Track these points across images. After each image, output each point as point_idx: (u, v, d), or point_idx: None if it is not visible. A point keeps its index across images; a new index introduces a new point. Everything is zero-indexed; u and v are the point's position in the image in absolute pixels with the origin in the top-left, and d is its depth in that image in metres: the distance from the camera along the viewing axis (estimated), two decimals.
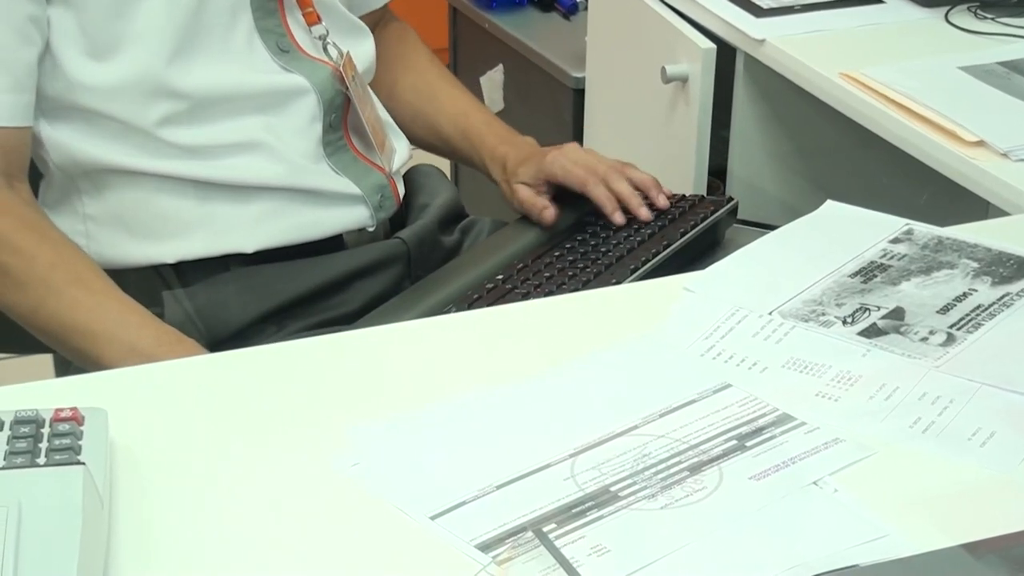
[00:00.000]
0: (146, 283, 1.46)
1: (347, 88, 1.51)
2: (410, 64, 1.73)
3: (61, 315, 1.36)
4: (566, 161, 1.59)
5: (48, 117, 1.44)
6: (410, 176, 1.66)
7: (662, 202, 1.57)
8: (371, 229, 1.54)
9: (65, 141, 1.44)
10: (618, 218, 1.55)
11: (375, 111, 1.58)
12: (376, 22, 1.70)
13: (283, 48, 1.49)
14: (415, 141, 1.71)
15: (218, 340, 1.44)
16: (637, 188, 1.58)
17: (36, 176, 1.49)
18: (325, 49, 1.52)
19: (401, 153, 1.61)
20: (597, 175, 1.57)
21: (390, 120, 1.63)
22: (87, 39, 1.40)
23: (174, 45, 1.41)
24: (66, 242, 1.40)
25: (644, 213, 1.55)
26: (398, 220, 1.60)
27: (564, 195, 1.60)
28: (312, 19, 1.52)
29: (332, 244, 1.52)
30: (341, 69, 1.51)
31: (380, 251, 1.53)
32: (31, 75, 1.40)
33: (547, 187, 1.60)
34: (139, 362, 1.29)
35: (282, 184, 1.48)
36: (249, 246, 1.47)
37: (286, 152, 1.47)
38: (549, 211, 1.58)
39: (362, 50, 1.58)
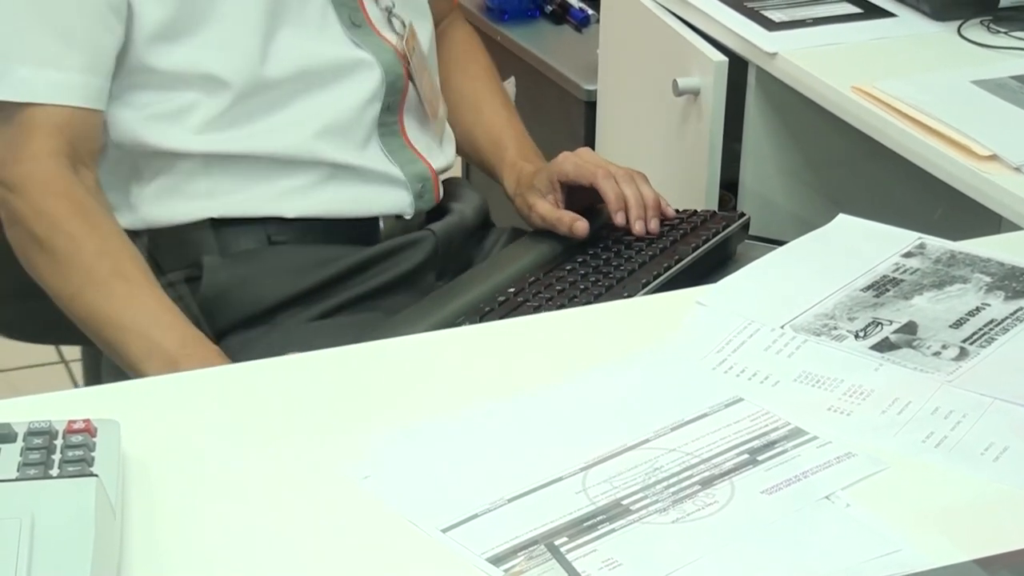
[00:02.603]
0: (188, 247, 1.49)
1: (408, 62, 1.54)
2: (466, 69, 1.75)
3: (97, 305, 1.38)
4: (577, 159, 1.60)
5: (112, 96, 1.45)
6: (450, 186, 1.67)
7: (652, 226, 1.55)
8: (408, 217, 1.56)
9: (122, 121, 1.46)
10: (619, 218, 1.55)
11: (434, 83, 1.60)
12: (443, 15, 1.72)
13: (355, 22, 1.52)
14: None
15: (248, 315, 1.47)
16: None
17: None
18: (390, 22, 1.55)
19: (447, 154, 1.63)
20: (608, 173, 1.57)
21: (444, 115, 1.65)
22: (172, 31, 1.43)
23: (262, 27, 1.45)
24: (117, 233, 1.42)
25: (639, 227, 1.55)
26: (432, 220, 1.61)
27: (577, 208, 1.60)
28: None
29: (368, 226, 1.54)
30: (405, 45, 1.54)
31: (410, 238, 1.55)
32: (108, 61, 1.42)
33: (562, 194, 1.60)
34: (161, 361, 1.32)
35: (331, 159, 1.50)
36: (289, 211, 1.49)
37: (342, 128, 1.50)
38: (581, 223, 1.55)
39: (425, 28, 1.61)
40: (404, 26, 1.56)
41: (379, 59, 1.53)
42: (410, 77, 1.56)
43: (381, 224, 1.55)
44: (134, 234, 1.48)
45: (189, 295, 1.48)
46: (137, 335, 1.36)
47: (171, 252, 1.49)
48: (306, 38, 1.48)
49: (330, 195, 1.52)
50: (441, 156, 1.62)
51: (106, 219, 1.42)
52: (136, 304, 1.38)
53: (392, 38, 1.55)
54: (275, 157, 1.49)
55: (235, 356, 1.41)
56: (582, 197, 1.59)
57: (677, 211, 1.61)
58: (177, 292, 1.48)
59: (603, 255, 1.52)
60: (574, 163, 1.59)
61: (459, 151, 1.73)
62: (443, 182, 1.65)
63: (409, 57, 1.55)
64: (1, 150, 1.41)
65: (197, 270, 1.49)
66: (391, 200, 1.56)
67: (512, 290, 1.44)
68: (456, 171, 1.74)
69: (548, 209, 1.58)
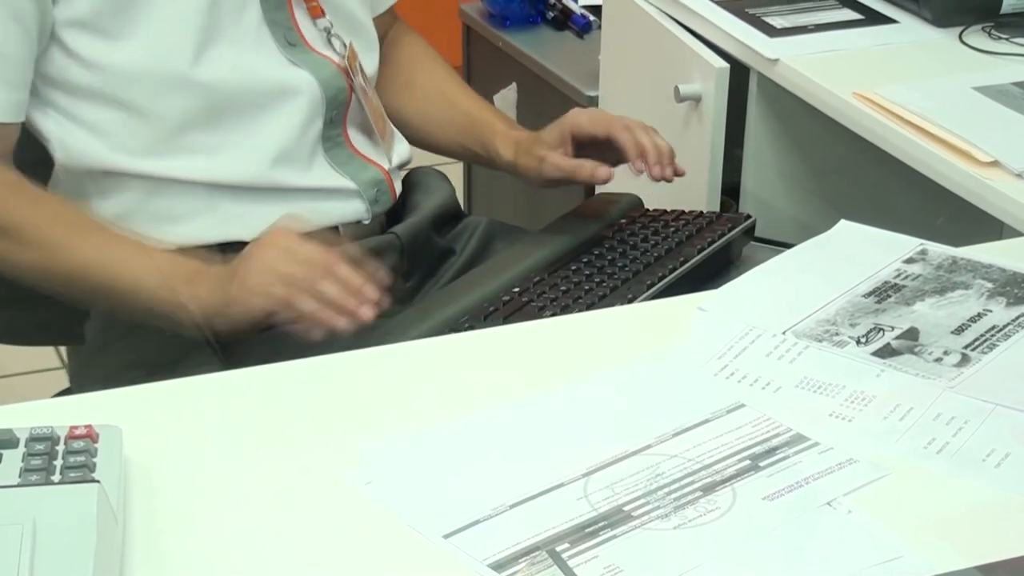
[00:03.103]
0: None
1: (351, 80, 1.53)
2: (428, 70, 1.74)
3: (72, 260, 1.39)
4: (591, 113, 1.59)
5: (58, 111, 1.46)
6: (409, 177, 1.67)
7: (668, 173, 1.55)
8: (366, 222, 1.56)
9: (71, 139, 1.46)
10: (639, 165, 1.54)
11: (378, 102, 1.59)
12: (387, 28, 1.72)
13: (291, 41, 1.51)
14: (427, 143, 1.72)
15: (218, 331, 1.45)
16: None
17: (45, 174, 1.50)
18: (330, 42, 1.54)
19: (401, 152, 1.62)
20: (625, 124, 1.56)
21: (390, 124, 1.64)
22: (101, 23, 1.42)
23: (195, 35, 1.43)
24: (59, 199, 1.44)
25: (657, 171, 1.54)
26: (395, 217, 1.61)
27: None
28: (316, 12, 1.54)
29: (329, 235, 1.52)
30: (346, 62, 1.53)
31: (374, 244, 1.54)
32: (26, 73, 1.42)
33: (571, 149, 1.58)
34: (159, 280, 1.36)
35: (280, 183, 1.50)
36: (247, 235, 1.46)
37: (290, 151, 1.50)
38: (603, 168, 1.53)
39: (368, 56, 1.60)
40: (344, 46, 1.54)
41: (316, 75, 1.51)
42: (352, 90, 1.54)
43: (340, 231, 1.54)
44: None
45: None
46: (125, 265, 1.39)
47: None
48: (240, 53, 1.47)
49: (283, 211, 1.49)
50: (394, 154, 1.60)
51: (41, 191, 1.44)
52: (111, 244, 1.40)
53: (332, 56, 1.54)
54: (231, 184, 1.48)
55: (204, 368, 1.41)
56: (591, 155, 1.57)
57: (683, 212, 1.62)
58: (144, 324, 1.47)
59: (608, 255, 1.52)
60: (589, 116, 1.58)
61: (438, 146, 1.72)
62: (407, 176, 1.64)
63: (352, 74, 1.53)
64: None
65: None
66: (347, 210, 1.54)
67: (517, 290, 1.44)
68: (422, 161, 1.72)
69: (563, 159, 1.56)
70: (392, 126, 1.64)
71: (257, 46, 1.48)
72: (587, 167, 1.55)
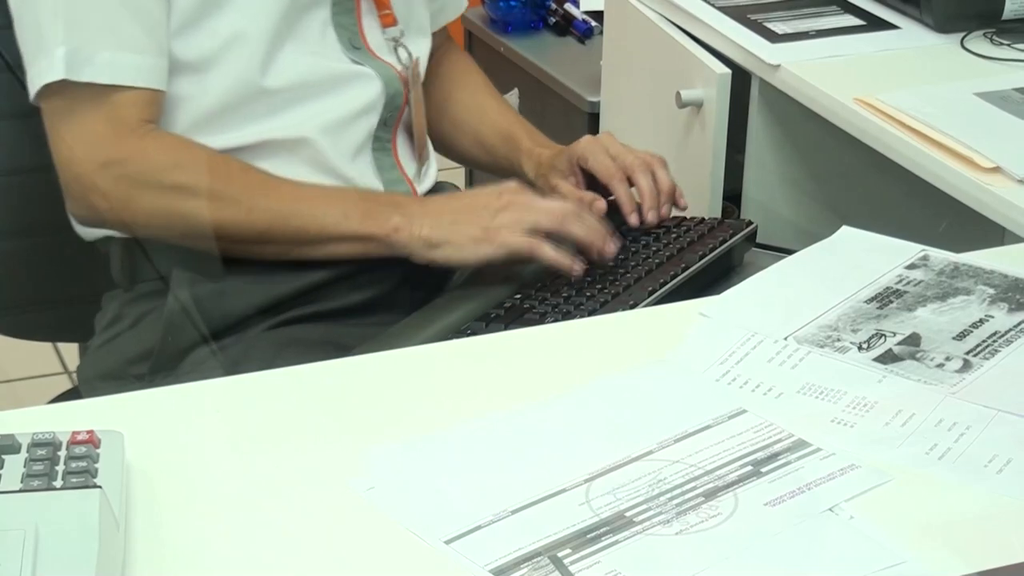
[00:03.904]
0: (162, 255, 1.49)
1: (409, 91, 1.55)
2: (465, 84, 1.76)
3: (270, 209, 1.44)
4: (597, 148, 1.61)
5: None
6: (429, 194, 1.67)
7: (663, 212, 1.58)
8: None
9: None
10: (633, 220, 1.57)
11: (424, 120, 1.62)
12: (439, 42, 1.73)
13: (355, 45, 1.53)
14: (457, 153, 1.75)
15: (218, 329, 1.46)
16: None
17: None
18: (396, 51, 1.56)
19: (430, 178, 1.64)
20: (624, 169, 1.58)
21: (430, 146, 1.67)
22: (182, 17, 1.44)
23: (267, 42, 1.46)
24: (229, 156, 1.47)
25: (651, 216, 1.57)
26: None
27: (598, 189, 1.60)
28: (388, 21, 1.56)
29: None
30: (409, 72, 1.55)
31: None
32: (167, 42, 1.44)
33: (581, 177, 1.61)
34: (364, 209, 1.44)
35: (323, 152, 1.51)
36: None
37: (338, 129, 1.51)
38: (600, 203, 1.57)
39: (424, 62, 1.62)
40: (410, 57, 1.57)
41: (379, 73, 1.53)
42: (408, 102, 1.56)
43: None
44: (109, 241, 1.50)
45: (161, 307, 1.48)
46: (324, 205, 1.45)
47: (144, 263, 1.49)
48: (306, 53, 1.49)
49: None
50: (426, 180, 1.63)
51: (215, 151, 1.46)
52: (303, 189, 1.46)
53: (395, 64, 1.55)
54: (273, 143, 1.49)
55: (203, 368, 1.41)
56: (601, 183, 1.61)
57: (685, 218, 1.62)
58: (152, 303, 1.48)
59: (610, 262, 1.52)
60: (593, 152, 1.60)
61: (469, 156, 1.74)
62: (431, 189, 1.65)
63: (410, 86, 1.56)
64: (100, 129, 1.42)
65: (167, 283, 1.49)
66: None
67: (518, 296, 1.44)
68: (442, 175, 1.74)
69: (569, 189, 1.60)
70: (431, 149, 1.66)
71: (321, 46, 1.50)
72: (586, 199, 1.58)
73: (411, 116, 1.58)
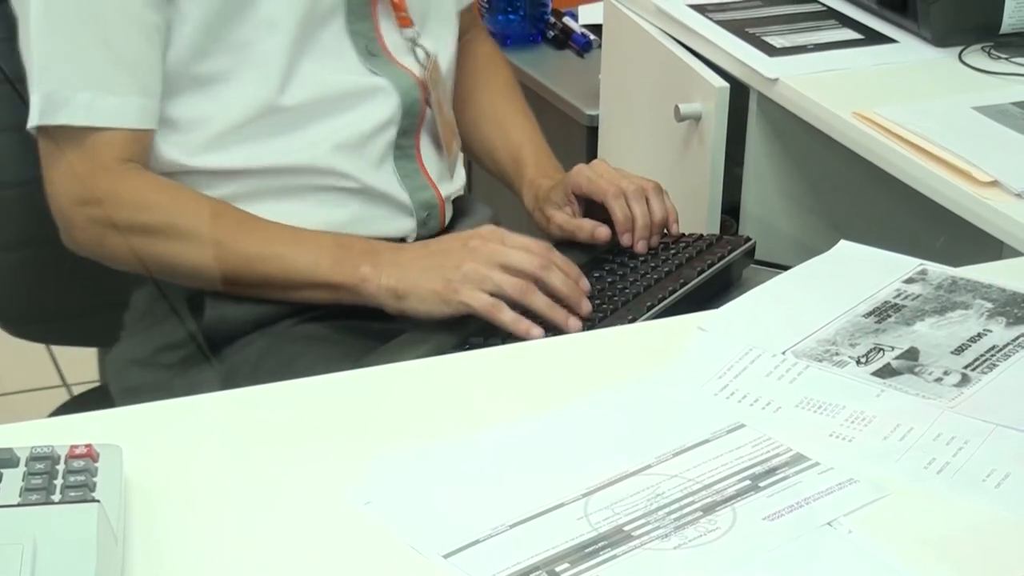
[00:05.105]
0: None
1: (428, 93, 1.56)
2: (488, 83, 1.76)
3: (242, 252, 1.44)
4: (591, 173, 1.61)
5: None
6: (459, 203, 1.68)
7: (653, 242, 1.58)
8: (411, 241, 1.57)
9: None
10: (625, 239, 1.57)
11: (450, 119, 1.62)
12: (468, 25, 1.73)
13: (371, 51, 1.53)
14: (469, 152, 1.75)
15: (246, 328, 1.48)
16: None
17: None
18: (413, 52, 1.56)
19: (458, 180, 1.64)
20: (620, 191, 1.58)
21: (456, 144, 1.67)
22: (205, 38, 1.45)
23: (286, 58, 1.46)
24: (207, 196, 1.47)
25: (640, 247, 1.56)
26: None
27: (597, 218, 1.60)
28: (405, 22, 1.56)
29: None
30: (427, 73, 1.55)
31: None
32: (158, 80, 1.45)
33: (579, 204, 1.61)
34: (336, 256, 1.42)
35: (344, 171, 1.52)
36: (295, 222, 1.49)
37: (357, 145, 1.52)
38: (602, 229, 1.56)
39: (446, 52, 1.62)
40: (428, 56, 1.57)
41: (396, 84, 1.54)
42: (428, 104, 1.57)
43: None
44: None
45: (190, 317, 1.50)
46: (295, 251, 1.44)
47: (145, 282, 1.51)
48: (323, 68, 1.50)
49: (336, 213, 1.52)
50: (452, 183, 1.63)
51: (195, 191, 1.47)
52: (278, 233, 1.45)
53: (413, 67, 1.56)
54: (289, 169, 1.50)
55: (234, 366, 1.42)
56: (600, 208, 1.60)
57: (683, 235, 1.62)
58: (180, 316, 1.49)
59: (608, 278, 1.52)
60: (587, 177, 1.60)
61: (478, 161, 1.75)
62: (452, 201, 1.66)
63: (430, 88, 1.56)
64: (78, 169, 1.44)
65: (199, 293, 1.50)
66: (395, 225, 1.57)
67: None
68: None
69: (565, 219, 1.60)
70: (459, 144, 1.66)
71: (337, 56, 1.51)
72: (586, 228, 1.58)
73: (434, 118, 1.58)
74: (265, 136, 1.49)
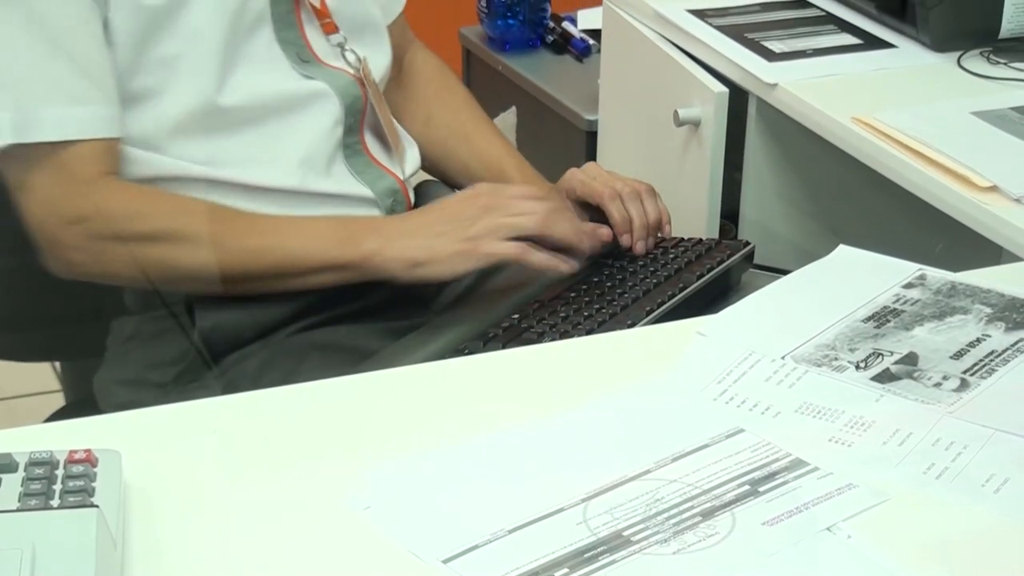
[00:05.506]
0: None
1: (366, 91, 1.55)
2: (446, 102, 1.75)
3: (243, 248, 1.43)
4: (584, 176, 1.61)
5: None
6: (422, 189, 1.68)
7: (649, 244, 1.58)
8: None
9: None
10: (624, 240, 1.57)
11: (389, 115, 1.62)
12: (400, 42, 1.72)
13: (303, 58, 1.53)
14: (444, 177, 1.74)
15: (245, 339, 1.47)
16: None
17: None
18: (344, 56, 1.55)
19: (413, 160, 1.64)
20: (615, 192, 1.58)
21: (402, 129, 1.66)
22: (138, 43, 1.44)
23: (219, 63, 1.45)
24: (194, 198, 1.46)
25: (639, 247, 1.57)
26: None
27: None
28: (330, 29, 1.55)
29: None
30: (361, 74, 1.55)
31: None
32: (115, 88, 1.43)
33: (573, 211, 1.60)
34: (340, 236, 1.42)
35: (300, 187, 1.51)
36: None
37: (307, 155, 1.51)
38: (604, 230, 1.56)
39: (378, 60, 1.61)
40: (359, 59, 1.56)
41: (333, 85, 1.53)
42: (367, 99, 1.56)
43: None
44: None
45: (189, 324, 1.49)
46: (297, 239, 1.44)
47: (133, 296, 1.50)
48: (257, 76, 1.49)
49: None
50: (408, 163, 1.62)
51: (180, 195, 1.46)
52: (273, 224, 1.45)
53: (347, 68, 1.56)
54: (243, 184, 1.49)
55: (233, 379, 1.42)
56: (594, 211, 1.60)
57: (682, 239, 1.62)
58: (178, 321, 1.49)
59: (607, 283, 1.52)
60: (580, 180, 1.60)
61: (455, 185, 1.73)
62: (419, 187, 1.66)
63: (367, 84, 1.56)
64: (58, 187, 1.41)
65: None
66: None
67: (516, 316, 1.44)
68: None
69: None
70: (405, 133, 1.65)
71: (270, 66, 1.50)
72: (588, 231, 1.56)
73: (375, 114, 1.58)
74: (211, 132, 1.47)
